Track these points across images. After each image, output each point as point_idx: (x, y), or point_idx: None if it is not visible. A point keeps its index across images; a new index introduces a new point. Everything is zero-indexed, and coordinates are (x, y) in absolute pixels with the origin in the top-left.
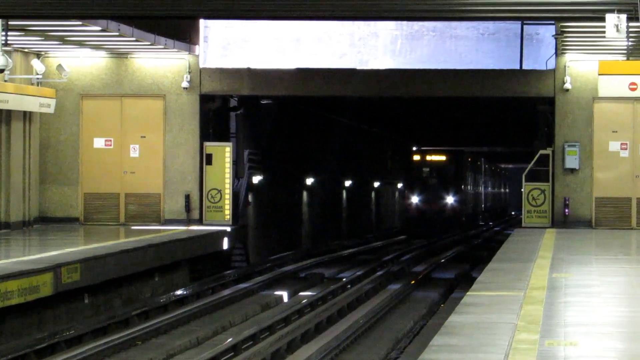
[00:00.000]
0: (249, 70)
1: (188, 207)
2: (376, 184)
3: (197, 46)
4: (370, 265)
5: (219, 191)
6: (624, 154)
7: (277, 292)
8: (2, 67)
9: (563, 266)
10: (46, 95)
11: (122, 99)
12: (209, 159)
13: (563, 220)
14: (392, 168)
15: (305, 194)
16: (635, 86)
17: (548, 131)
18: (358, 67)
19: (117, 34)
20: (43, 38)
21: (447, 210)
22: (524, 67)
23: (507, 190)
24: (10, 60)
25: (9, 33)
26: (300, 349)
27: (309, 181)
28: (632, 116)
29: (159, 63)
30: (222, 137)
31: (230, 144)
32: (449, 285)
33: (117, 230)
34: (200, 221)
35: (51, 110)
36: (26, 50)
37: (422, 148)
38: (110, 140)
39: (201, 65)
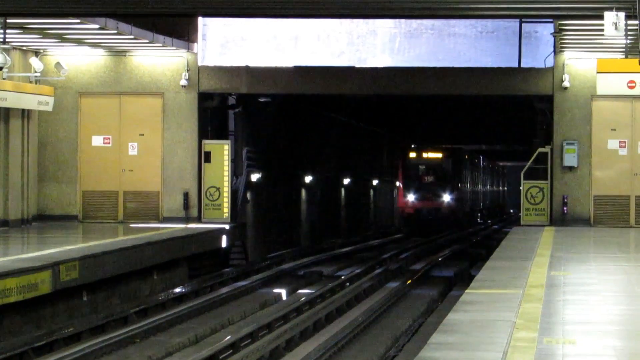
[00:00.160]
0: (247, 68)
1: (186, 205)
2: (375, 182)
3: (195, 44)
4: (369, 263)
5: (218, 189)
6: (623, 151)
7: (276, 290)
8: (1, 64)
9: (562, 264)
10: (44, 93)
11: (120, 96)
12: (207, 157)
13: (561, 218)
14: (390, 166)
15: (303, 191)
16: (633, 84)
17: (546, 129)
18: (356, 65)
19: (116, 32)
20: (41, 36)
21: (444, 209)
22: (523, 65)
23: (505, 188)
24: (8, 58)
25: (8, 31)
26: (299, 347)
27: (308, 179)
28: (631, 114)
29: (158, 61)
30: (221, 135)
31: (228, 141)
32: (447, 283)
33: (116, 228)
34: (198, 219)
35: (49, 108)
36: (24, 48)
37: (418, 145)
38: (109, 138)
39: (199, 63)
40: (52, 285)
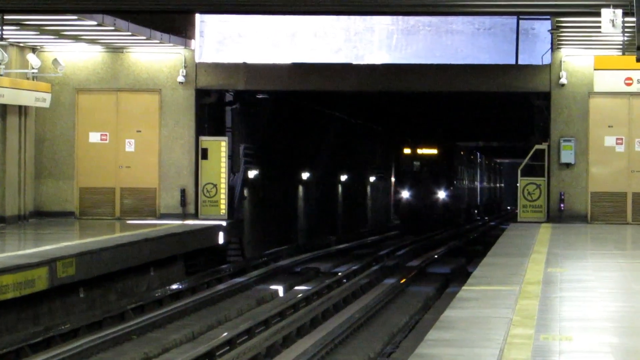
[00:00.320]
0: (244, 65)
1: (184, 202)
2: (372, 179)
3: (192, 41)
4: (366, 259)
5: (215, 186)
6: (620, 148)
7: (273, 287)
8: None
9: (558, 261)
10: (42, 89)
11: (117, 93)
12: (204, 154)
13: (558, 215)
14: (387, 162)
15: (300, 188)
16: (630, 81)
17: (544, 126)
18: (354, 62)
19: (113, 28)
20: (39, 32)
21: (439, 205)
22: (520, 62)
23: (502, 185)
24: (5, 54)
25: (5, 27)
26: (295, 344)
27: (305, 176)
28: (628, 111)
29: (155, 58)
30: (218, 131)
31: (225, 138)
32: (444, 279)
33: (113, 224)
34: (195, 216)
35: (47, 104)
36: (22, 44)
37: (412, 141)
38: (106, 135)
39: (197, 60)
40: (49, 281)
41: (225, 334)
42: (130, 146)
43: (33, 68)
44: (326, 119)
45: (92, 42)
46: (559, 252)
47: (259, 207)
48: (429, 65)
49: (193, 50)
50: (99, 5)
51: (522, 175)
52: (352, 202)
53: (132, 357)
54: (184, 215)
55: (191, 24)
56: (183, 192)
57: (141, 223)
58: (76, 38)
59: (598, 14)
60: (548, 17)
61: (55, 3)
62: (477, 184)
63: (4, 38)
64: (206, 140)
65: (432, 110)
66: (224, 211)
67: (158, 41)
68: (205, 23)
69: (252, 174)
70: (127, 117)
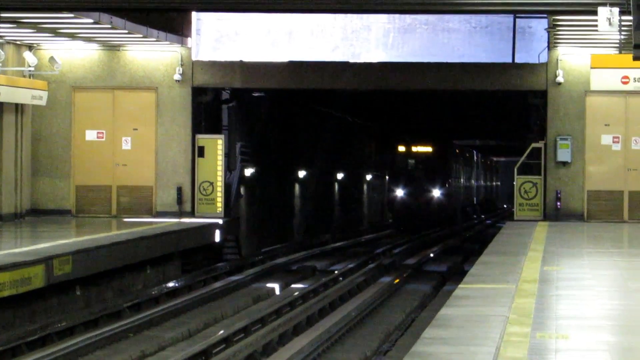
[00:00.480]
0: (241, 63)
1: (180, 200)
2: (368, 177)
3: (189, 39)
4: (362, 257)
5: (211, 184)
6: (616, 147)
7: (269, 285)
8: None
9: (555, 259)
10: (38, 87)
11: (114, 91)
12: (201, 152)
13: (555, 213)
14: (382, 160)
15: (297, 186)
16: (627, 79)
17: (540, 124)
18: (350, 60)
19: (109, 26)
20: (35, 30)
21: (434, 204)
22: (517, 60)
23: (499, 183)
24: (2, 52)
25: (1, 25)
26: (291, 342)
27: (301, 174)
28: (624, 109)
29: (151, 56)
30: (214, 129)
31: (222, 136)
32: (440, 277)
33: (109, 222)
34: (192, 213)
35: (43, 102)
36: (18, 42)
37: (407, 139)
38: (103, 133)
39: (193, 58)
40: (45, 279)
41: (221, 331)
42: (126, 144)
43: (30, 66)
44: (323, 117)
45: (89, 40)
46: (555, 251)
47: (255, 205)
48: (425, 63)
49: (190, 48)
50: (96, 3)
51: (518, 174)
52: (349, 200)
53: (128, 355)
54: (181, 213)
55: (188, 22)
56: (179, 190)
57: (138, 221)
58: (73, 36)
59: (595, 13)
60: (545, 15)
61: (51, 1)
62: (474, 182)
63: (0, 36)
64: (203, 138)
65: (428, 109)
66: (220, 209)
67: (154, 39)
68: (202, 21)
69: (248, 172)
70: (124, 115)
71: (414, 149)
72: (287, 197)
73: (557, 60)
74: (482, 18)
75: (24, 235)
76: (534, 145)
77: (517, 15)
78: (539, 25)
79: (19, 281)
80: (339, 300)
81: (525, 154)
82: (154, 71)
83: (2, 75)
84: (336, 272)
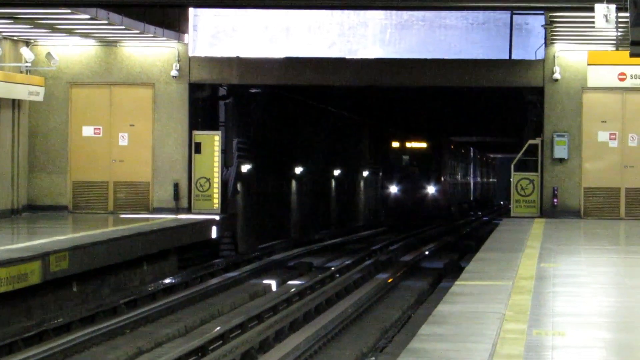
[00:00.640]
0: (238, 59)
1: (177, 196)
2: (365, 173)
3: (186, 35)
4: (359, 254)
5: (208, 180)
6: (613, 144)
7: (266, 281)
8: None
9: (551, 256)
10: (35, 83)
11: (111, 87)
12: (197, 148)
13: (552, 210)
14: (378, 157)
15: (294, 182)
16: (624, 76)
17: (537, 121)
18: (347, 57)
19: (106, 22)
20: (32, 26)
21: (428, 200)
22: (513, 57)
23: (495, 180)
24: None
25: None
26: (288, 338)
27: (298, 170)
28: (621, 106)
29: (148, 51)
30: (211, 126)
31: (219, 132)
32: (437, 274)
33: (106, 218)
34: (188, 210)
35: (40, 98)
36: (15, 38)
37: (402, 135)
38: (99, 129)
39: (190, 54)
40: (42, 275)
41: (218, 328)
42: (123, 140)
43: (26, 62)
44: (320, 113)
45: (86, 35)
46: (552, 248)
47: (252, 202)
48: (422, 60)
49: (186, 44)
50: None
51: (515, 171)
52: (345, 196)
53: (124, 351)
54: (177, 210)
55: (185, 18)
56: (176, 186)
57: (134, 217)
58: (70, 32)
59: (592, 9)
60: (542, 12)
61: None
62: (470, 178)
63: None
64: (199, 135)
65: (425, 105)
66: (217, 205)
67: (151, 35)
68: (199, 17)
69: (245, 168)
70: (121, 111)
71: (408, 144)
72: (284, 194)
73: (554, 56)
74: (479, 14)
75: (20, 231)
76: (530, 141)
77: (514, 11)
78: (536, 22)
79: (15, 277)
80: (336, 297)
81: (522, 151)
82: (151, 67)
83: None
84: (333, 268)
